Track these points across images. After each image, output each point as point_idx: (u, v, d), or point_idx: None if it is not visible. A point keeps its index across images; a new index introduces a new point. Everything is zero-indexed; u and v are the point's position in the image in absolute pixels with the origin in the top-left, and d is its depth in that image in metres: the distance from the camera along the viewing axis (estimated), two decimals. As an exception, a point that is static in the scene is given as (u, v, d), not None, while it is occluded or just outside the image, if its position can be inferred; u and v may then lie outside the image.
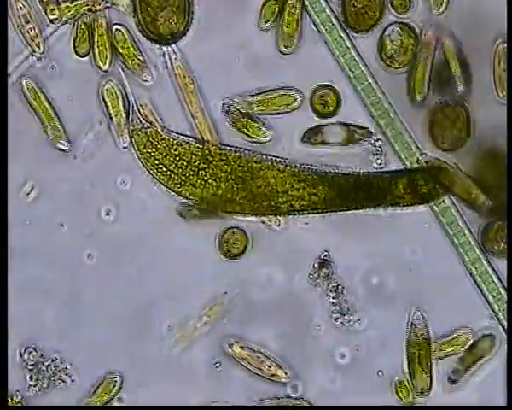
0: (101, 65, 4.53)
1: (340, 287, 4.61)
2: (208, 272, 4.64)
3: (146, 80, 4.52)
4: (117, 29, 4.51)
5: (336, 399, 4.65)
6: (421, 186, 4.52)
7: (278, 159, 4.54)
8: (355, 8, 4.47)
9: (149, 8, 4.48)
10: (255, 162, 4.53)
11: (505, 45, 4.46)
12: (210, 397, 4.66)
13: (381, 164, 4.55)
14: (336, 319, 4.62)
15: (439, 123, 4.53)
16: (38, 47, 4.52)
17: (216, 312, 4.64)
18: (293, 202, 4.53)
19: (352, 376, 4.65)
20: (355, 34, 4.50)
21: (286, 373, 4.66)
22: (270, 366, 4.65)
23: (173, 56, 4.52)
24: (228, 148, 4.54)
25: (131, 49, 4.52)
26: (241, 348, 4.64)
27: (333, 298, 4.61)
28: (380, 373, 4.65)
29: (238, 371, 4.66)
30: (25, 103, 4.56)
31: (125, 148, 4.56)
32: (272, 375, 4.66)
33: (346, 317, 4.61)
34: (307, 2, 4.46)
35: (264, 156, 4.54)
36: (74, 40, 4.52)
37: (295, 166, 4.53)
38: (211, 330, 4.65)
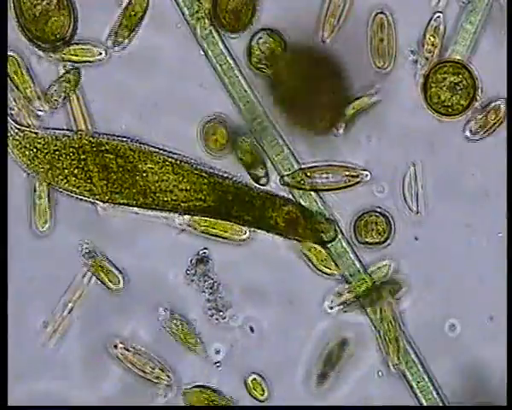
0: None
1: (215, 284, 4.61)
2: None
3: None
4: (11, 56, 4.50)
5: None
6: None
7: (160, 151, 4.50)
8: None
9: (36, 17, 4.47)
10: (132, 151, 4.47)
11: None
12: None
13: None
14: (212, 316, 4.62)
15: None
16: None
17: (79, 295, 4.63)
18: (179, 202, 4.51)
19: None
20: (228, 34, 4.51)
21: (169, 377, 4.65)
22: (153, 369, 4.65)
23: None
24: (104, 137, 4.50)
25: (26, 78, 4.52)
26: (126, 349, 4.64)
27: (209, 295, 4.61)
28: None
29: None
30: None
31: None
32: (156, 377, 4.65)
33: (221, 313, 4.61)
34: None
35: (144, 146, 4.49)
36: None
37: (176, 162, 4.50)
38: (84, 327, 4.66)
